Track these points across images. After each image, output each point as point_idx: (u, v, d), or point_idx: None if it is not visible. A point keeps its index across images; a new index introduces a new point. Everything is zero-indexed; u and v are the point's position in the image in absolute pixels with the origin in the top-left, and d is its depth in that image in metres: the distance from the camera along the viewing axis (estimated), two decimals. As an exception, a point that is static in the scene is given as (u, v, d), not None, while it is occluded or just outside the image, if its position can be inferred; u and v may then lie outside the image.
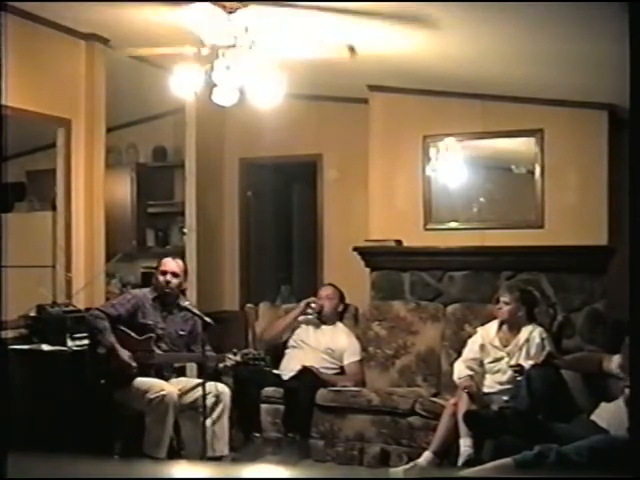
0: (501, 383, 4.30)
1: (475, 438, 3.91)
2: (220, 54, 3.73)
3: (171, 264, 4.31)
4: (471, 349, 4.43)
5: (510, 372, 4.20)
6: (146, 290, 4.37)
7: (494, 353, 4.38)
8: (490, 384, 4.33)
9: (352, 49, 4.27)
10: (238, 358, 4.12)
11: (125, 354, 4.02)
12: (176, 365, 4.45)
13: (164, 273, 4.26)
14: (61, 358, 4.19)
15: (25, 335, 4.37)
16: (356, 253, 5.59)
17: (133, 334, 4.11)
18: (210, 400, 3.95)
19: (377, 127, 5.73)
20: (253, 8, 3.73)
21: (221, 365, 4.12)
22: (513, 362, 4.25)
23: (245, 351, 4.21)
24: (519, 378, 4.05)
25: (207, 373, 3.95)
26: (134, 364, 4.01)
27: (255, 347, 4.97)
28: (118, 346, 4.03)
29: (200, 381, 4.08)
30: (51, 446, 3.71)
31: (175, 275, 4.27)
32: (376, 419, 4.52)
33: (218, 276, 6.53)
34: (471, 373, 4.31)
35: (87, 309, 4.52)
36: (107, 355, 4.02)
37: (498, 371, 4.35)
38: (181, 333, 4.28)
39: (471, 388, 4.18)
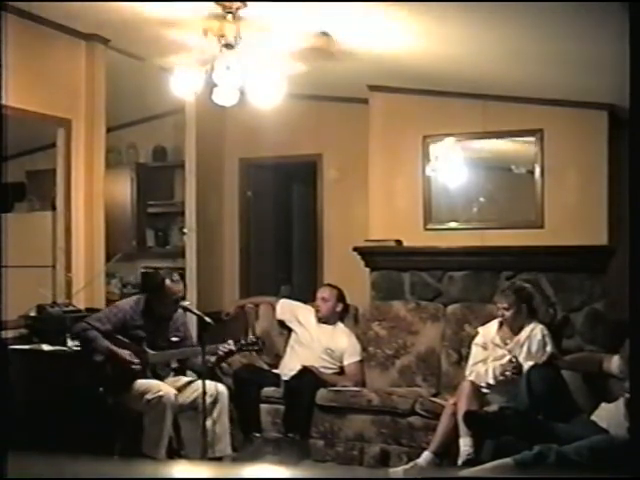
0: (496, 378, 4.29)
1: (475, 438, 3.91)
2: (220, 54, 3.73)
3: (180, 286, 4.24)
4: (477, 353, 4.44)
5: (508, 367, 4.19)
6: (132, 301, 4.23)
7: (495, 351, 4.38)
8: (490, 381, 4.33)
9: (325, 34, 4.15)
10: (232, 347, 4.13)
11: (124, 353, 4.01)
12: (173, 366, 4.44)
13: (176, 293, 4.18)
14: (61, 358, 4.19)
15: (25, 335, 4.37)
16: (356, 253, 5.59)
17: (124, 339, 4.06)
18: (207, 400, 3.94)
19: (377, 127, 5.72)
20: (253, 7, 3.73)
21: (213, 358, 4.11)
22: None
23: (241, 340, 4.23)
24: (514, 373, 4.06)
25: (203, 369, 3.92)
26: (136, 360, 4.00)
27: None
28: (114, 348, 4.00)
29: (197, 379, 4.08)
30: (51, 446, 3.71)
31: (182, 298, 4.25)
32: (376, 419, 4.52)
33: (218, 276, 6.53)
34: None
35: (87, 309, 4.52)
36: (103, 362, 4.00)
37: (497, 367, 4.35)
38: (173, 340, 4.23)
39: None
